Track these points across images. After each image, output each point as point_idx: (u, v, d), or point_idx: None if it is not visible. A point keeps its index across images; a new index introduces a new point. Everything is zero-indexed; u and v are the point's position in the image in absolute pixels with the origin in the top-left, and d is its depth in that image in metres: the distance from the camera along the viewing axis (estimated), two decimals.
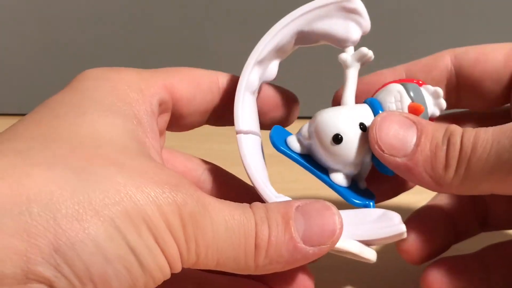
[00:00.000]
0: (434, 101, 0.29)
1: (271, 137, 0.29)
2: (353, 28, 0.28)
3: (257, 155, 0.29)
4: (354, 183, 0.29)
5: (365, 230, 0.27)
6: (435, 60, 0.31)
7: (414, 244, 0.31)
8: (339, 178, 0.29)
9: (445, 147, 0.26)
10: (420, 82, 0.30)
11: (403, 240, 0.30)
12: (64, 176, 0.22)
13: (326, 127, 0.28)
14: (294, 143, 0.29)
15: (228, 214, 0.25)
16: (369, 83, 0.31)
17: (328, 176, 0.29)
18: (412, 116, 0.28)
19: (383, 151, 0.27)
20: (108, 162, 0.23)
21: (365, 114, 0.28)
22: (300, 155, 0.29)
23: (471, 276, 0.31)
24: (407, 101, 0.28)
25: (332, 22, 0.28)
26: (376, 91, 0.30)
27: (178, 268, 0.24)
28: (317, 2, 0.27)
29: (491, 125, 0.27)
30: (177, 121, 0.30)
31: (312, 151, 0.29)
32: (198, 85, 0.30)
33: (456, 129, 0.27)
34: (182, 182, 0.24)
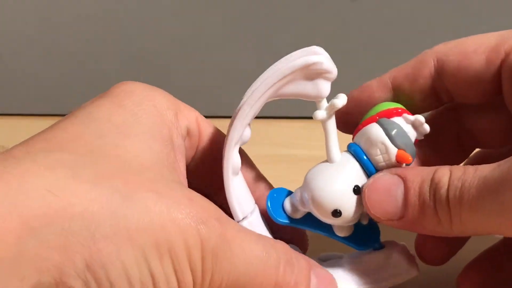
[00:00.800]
0: (416, 130, 0.29)
1: (268, 210, 0.29)
2: (322, 85, 0.28)
3: (263, 230, 0.30)
4: (357, 222, 0.30)
5: (374, 279, 0.29)
6: (418, 67, 0.30)
7: (434, 247, 0.32)
8: (346, 232, 0.29)
9: (432, 203, 0.26)
10: (399, 110, 0.29)
11: (423, 245, 0.31)
12: (108, 198, 0.23)
13: (323, 204, 0.28)
14: (290, 209, 0.29)
15: (248, 248, 0.26)
16: (358, 99, 0.31)
17: (331, 229, 0.29)
18: (399, 170, 0.28)
19: (379, 218, 0.28)
20: (147, 189, 0.24)
21: (356, 173, 0.28)
22: (300, 218, 0.29)
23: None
24: (393, 151, 0.28)
25: (301, 85, 0.28)
26: (357, 130, 0.29)
27: None
28: (283, 71, 0.27)
29: (492, 113, 0.26)
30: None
31: (312, 214, 0.29)
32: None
33: (442, 177, 0.26)
34: (210, 214, 0.25)
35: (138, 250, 0.23)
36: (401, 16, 0.49)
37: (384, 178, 0.28)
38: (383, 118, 0.29)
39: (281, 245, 0.27)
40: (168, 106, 0.28)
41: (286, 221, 0.29)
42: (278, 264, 0.26)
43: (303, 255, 0.28)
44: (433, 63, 0.30)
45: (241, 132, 0.28)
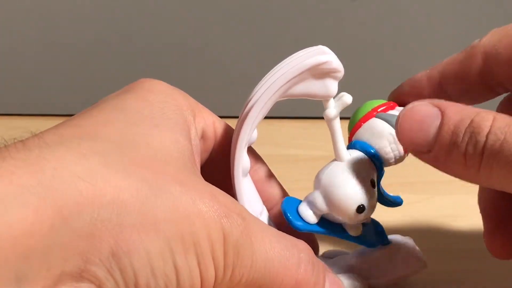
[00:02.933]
0: None
1: (286, 215, 0.29)
2: (330, 84, 0.28)
3: None
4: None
5: (383, 273, 0.30)
6: (467, 64, 0.30)
7: (503, 242, 0.31)
8: (359, 231, 0.30)
9: (463, 145, 0.25)
10: (391, 104, 0.30)
11: (492, 240, 0.31)
12: (137, 187, 0.23)
13: (348, 203, 0.28)
14: (308, 215, 0.29)
15: (270, 245, 0.25)
16: (407, 94, 0.31)
17: (344, 230, 0.29)
18: (441, 103, 0.26)
19: (407, 147, 0.27)
20: (175, 180, 0.24)
21: (368, 167, 0.29)
22: (317, 223, 0.29)
23: None
24: None
25: (310, 84, 0.28)
26: (357, 128, 0.30)
27: None
28: (292, 72, 0.27)
29: None
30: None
31: (328, 216, 0.29)
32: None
33: (483, 123, 0.25)
34: (232, 209, 0.25)
35: (164, 241, 0.23)
36: (401, 16, 0.49)
37: (421, 108, 0.26)
38: (381, 113, 0.29)
39: (303, 244, 0.27)
40: (187, 107, 0.28)
41: (305, 227, 0.29)
42: (299, 262, 0.26)
43: (318, 259, 0.28)
44: (481, 58, 0.29)
45: (250, 134, 0.28)
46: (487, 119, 0.25)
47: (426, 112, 0.26)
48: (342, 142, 0.29)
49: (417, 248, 0.31)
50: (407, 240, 0.31)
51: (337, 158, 0.29)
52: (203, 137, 0.29)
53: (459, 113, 0.25)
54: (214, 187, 0.26)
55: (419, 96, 0.30)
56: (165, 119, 0.26)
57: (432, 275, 0.33)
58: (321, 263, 0.28)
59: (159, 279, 0.23)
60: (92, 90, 0.51)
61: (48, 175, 0.21)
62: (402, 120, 0.26)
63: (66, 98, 0.52)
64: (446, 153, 0.25)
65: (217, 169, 0.30)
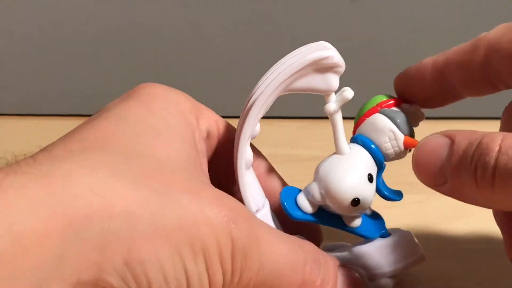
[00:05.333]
0: (413, 118, 0.30)
1: (284, 206, 0.29)
2: (332, 78, 0.28)
3: (274, 222, 0.30)
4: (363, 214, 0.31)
5: (385, 264, 0.30)
6: (470, 56, 0.29)
7: None
8: (357, 222, 0.30)
9: (472, 169, 0.24)
10: (393, 101, 0.30)
11: None
12: (146, 197, 0.23)
13: (343, 195, 0.28)
14: (305, 205, 0.29)
15: (276, 248, 0.26)
16: (411, 78, 0.31)
17: (343, 222, 0.30)
18: (450, 131, 0.26)
19: (425, 182, 0.26)
20: (182, 189, 0.24)
21: (367, 162, 0.29)
22: (314, 213, 0.30)
23: None
24: (401, 137, 0.29)
25: (312, 79, 0.28)
26: (360, 122, 0.30)
27: None
28: (295, 66, 0.28)
29: None
30: None
31: (326, 206, 0.29)
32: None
33: (492, 143, 0.24)
34: (239, 214, 0.25)
35: (174, 248, 0.23)
36: (401, 16, 0.49)
37: (432, 140, 0.26)
38: (385, 109, 0.30)
39: (308, 244, 0.28)
40: (191, 110, 0.28)
41: (301, 216, 0.29)
42: (305, 263, 0.27)
43: (329, 254, 0.29)
44: (484, 51, 0.29)
45: (254, 128, 0.29)
46: (495, 140, 0.24)
47: (436, 144, 0.26)
48: (342, 136, 0.29)
49: (416, 240, 0.31)
50: (406, 233, 0.31)
51: (337, 151, 0.29)
52: (207, 137, 0.29)
53: (467, 138, 0.25)
54: (220, 191, 0.26)
55: (422, 80, 0.30)
56: (168, 128, 0.27)
57: (432, 275, 0.33)
58: (331, 260, 0.28)
59: (171, 284, 0.23)
60: (92, 90, 0.51)
61: (59, 188, 0.22)
62: (416, 154, 0.26)
63: (66, 98, 0.52)
64: (459, 180, 0.25)
65: (221, 165, 0.30)
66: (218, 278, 0.24)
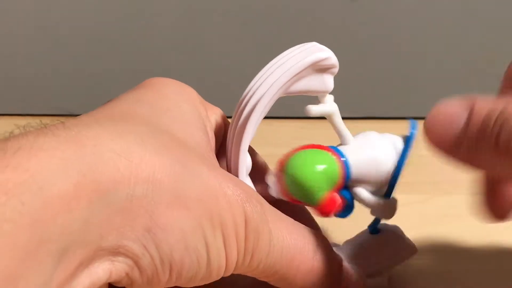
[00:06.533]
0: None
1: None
2: (328, 79, 0.29)
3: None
4: None
5: (378, 261, 0.30)
6: None
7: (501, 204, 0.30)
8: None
9: (494, 136, 0.24)
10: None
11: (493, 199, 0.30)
12: (171, 166, 0.23)
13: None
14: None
15: (287, 231, 0.26)
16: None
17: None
18: (470, 98, 0.25)
19: (435, 147, 0.25)
20: (202, 163, 0.25)
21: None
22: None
23: None
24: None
25: (309, 80, 0.28)
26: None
27: (229, 273, 0.25)
28: (294, 69, 0.28)
29: None
30: None
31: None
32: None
33: None
34: (252, 196, 0.25)
35: (195, 219, 0.23)
36: (401, 16, 0.49)
37: (448, 104, 0.25)
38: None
39: (319, 233, 0.28)
40: (200, 101, 0.29)
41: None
42: (316, 250, 0.27)
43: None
44: None
45: (253, 134, 0.29)
46: None
47: (453, 107, 0.25)
48: (347, 132, 0.29)
49: (405, 235, 0.31)
50: (395, 228, 0.31)
51: (342, 141, 0.29)
52: (215, 129, 0.30)
53: (488, 104, 0.24)
54: (233, 175, 0.26)
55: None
56: (182, 114, 0.27)
57: (431, 275, 0.33)
58: (337, 255, 0.29)
59: (192, 254, 0.23)
60: (92, 90, 0.51)
61: (88, 152, 0.21)
62: (429, 117, 0.25)
63: (66, 98, 0.52)
64: (476, 146, 0.24)
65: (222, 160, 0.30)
66: (234, 255, 0.24)
